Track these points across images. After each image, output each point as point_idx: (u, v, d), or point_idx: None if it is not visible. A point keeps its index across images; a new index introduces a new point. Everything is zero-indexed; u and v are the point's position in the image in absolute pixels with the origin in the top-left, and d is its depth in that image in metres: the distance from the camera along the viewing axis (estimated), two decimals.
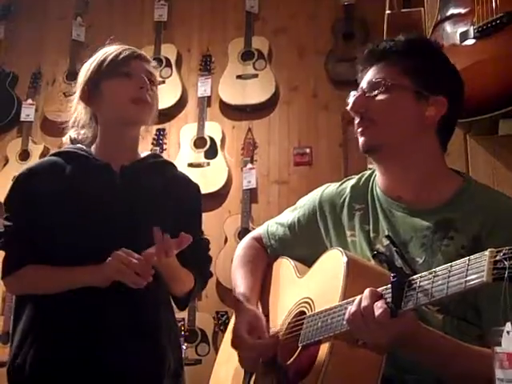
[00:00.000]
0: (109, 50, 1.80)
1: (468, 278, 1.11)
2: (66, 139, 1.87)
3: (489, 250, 1.08)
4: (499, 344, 0.98)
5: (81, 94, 1.81)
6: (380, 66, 1.55)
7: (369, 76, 1.56)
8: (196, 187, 1.95)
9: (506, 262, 1.03)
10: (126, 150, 1.81)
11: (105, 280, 1.63)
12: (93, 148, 1.82)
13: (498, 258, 1.05)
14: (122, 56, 1.77)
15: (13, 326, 1.72)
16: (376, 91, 1.52)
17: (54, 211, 1.69)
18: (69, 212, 1.69)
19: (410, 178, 1.53)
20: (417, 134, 1.51)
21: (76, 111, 1.85)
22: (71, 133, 1.85)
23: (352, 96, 1.58)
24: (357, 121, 1.55)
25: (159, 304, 1.79)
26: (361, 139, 1.54)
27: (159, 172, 1.85)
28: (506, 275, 1.02)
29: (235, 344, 1.59)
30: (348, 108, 1.57)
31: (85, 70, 1.81)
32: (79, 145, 1.82)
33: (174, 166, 1.95)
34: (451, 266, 1.16)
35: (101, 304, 1.66)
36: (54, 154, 1.82)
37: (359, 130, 1.54)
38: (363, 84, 1.57)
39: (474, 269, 1.10)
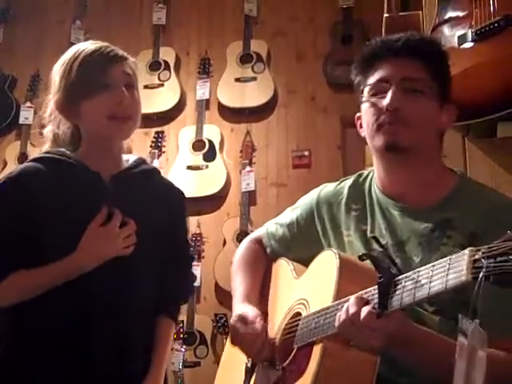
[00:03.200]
0: (83, 53, 1.65)
1: (449, 278, 1.12)
2: (46, 132, 1.74)
3: (469, 248, 1.09)
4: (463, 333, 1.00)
5: (56, 106, 1.69)
6: (416, 65, 1.51)
7: (401, 69, 1.51)
8: (181, 193, 1.88)
9: (483, 261, 1.04)
10: (113, 158, 1.73)
11: (87, 256, 1.60)
12: (77, 154, 1.70)
13: (477, 256, 1.06)
14: (97, 62, 1.63)
15: None
16: (414, 91, 1.50)
17: (40, 223, 1.61)
18: (58, 222, 1.61)
19: (414, 179, 1.54)
20: (434, 139, 1.55)
21: (54, 110, 1.72)
22: (54, 126, 1.73)
23: (389, 90, 1.50)
24: (389, 117, 1.49)
25: (149, 320, 1.72)
26: (388, 136, 1.49)
27: (148, 181, 1.78)
28: (481, 274, 1.03)
29: (233, 339, 1.60)
30: (385, 103, 1.49)
31: (58, 78, 1.68)
32: (62, 149, 1.70)
33: (159, 172, 1.89)
34: (433, 266, 1.17)
35: (86, 317, 1.59)
36: (35, 160, 1.69)
37: (390, 127, 1.49)
38: (395, 75, 1.51)
39: (455, 268, 1.11)
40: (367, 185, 1.65)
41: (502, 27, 2.04)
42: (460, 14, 2.19)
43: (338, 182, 1.73)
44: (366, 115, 1.55)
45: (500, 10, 2.06)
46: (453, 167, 1.62)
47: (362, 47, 1.61)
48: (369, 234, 1.57)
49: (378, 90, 1.52)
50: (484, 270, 1.03)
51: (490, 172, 2.19)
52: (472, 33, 2.10)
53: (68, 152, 1.69)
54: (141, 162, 1.80)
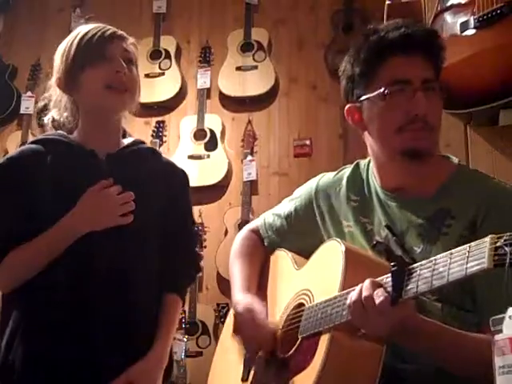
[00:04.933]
0: (83, 32, 1.71)
1: (469, 265, 1.11)
2: (47, 120, 1.77)
3: (489, 236, 1.08)
4: (499, 332, 0.98)
5: (57, 83, 1.73)
6: (429, 63, 1.49)
7: (420, 69, 1.48)
8: (183, 173, 1.87)
9: (506, 248, 1.03)
10: (109, 137, 1.75)
11: (79, 219, 1.61)
12: (75, 134, 1.74)
13: (498, 244, 1.05)
14: (97, 38, 1.68)
15: (1, 326, 1.65)
16: (433, 93, 1.47)
17: (38, 201, 1.63)
18: (54, 201, 1.63)
19: (412, 173, 1.52)
20: None
21: (55, 94, 1.76)
22: (54, 113, 1.76)
23: (417, 96, 1.45)
24: (419, 124, 1.45)
25: (152, 301, 1.72)
26: (416, 142, 1.46)
27: (145, 159, 1.79)
28: (507, 261, 1.02)
29: (235, 327, 1.60)
30: (417, 111, 1.44)
31: (59, 55, 1.73)
32: (60, 131, 1.74)
33: (159, 152, 1.90)
34: (451, 254, 1.16)
35: (91, 302, 1.60)
36: (34, 142, 1.73)
37: (418, 134, 1.45)
38: (416, 76, 1.46)
39: (475, 255, 1.09)
40: (365, 176, 1.64)
41: (504, 14, 2.03)
42: (462, 1, 2.17)
43: (335, 172, 1.71)
44: (380, 116, 1.49)
45: None
46: (455, 155, 1.61)
47: (362, 33, 1.56)
48: (369, 227, 1.56)
49: (396, 90, 1.46)
50: (509, 256, 1.02)
51: (492, 160, 2.19)
52: (474, 20, 2.09)
53: (65, 133, 1.73)
54: (138, 141, 1.82)
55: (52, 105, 1.77)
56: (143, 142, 1.84)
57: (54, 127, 1.75)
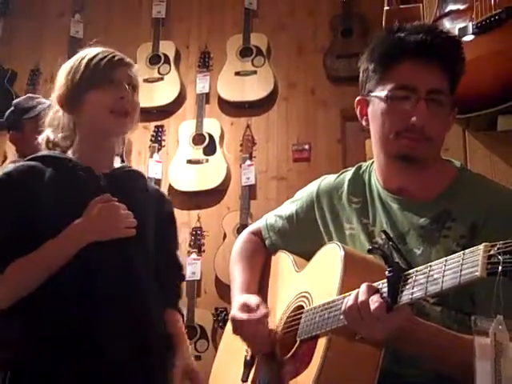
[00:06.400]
0: (92, 54, 1.73)
1: (463, 273, 1.11)
2: (41, 139, 1.76)
3: (483, 244, 1.08)
4: (484, 333, 0.99)
5: (59, 100, 1.73)
6: (440, 73, 1.47)
7: (428, 78, 1.46)
8: (170, 202, 1.93)
9: (499, 257, 1.03)
10: (104, 157, 1.76)
11: (81, 229, 1.61)
12: (70, 153, 1.73)
13: (492, 252, 1.05)
14: (105, 62, 1.71)
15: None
16: (438, 104, 1.46)
17: (36, 217, 1.61)
18: (53, 217, 1.62)
19: (415, 176, 1.53)
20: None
21: (52, 111, 1.77)
22: (48, 132, 1.75)
23: (414, 103, 1.44)
24: (414, 133, 1.45)
25: (160, 317, 1.74)
26: (410, 150, 1.46)
27: (136, 181, 1.82)
28: (499, 270, 1.02)
29: (235, 327, 1.59)
30: (413, 119, 1.43)
31: (64, 74, 1.74)
32: (56, 151, 1.73)
33: (146, 177, 1.93)
34: (446, 261, 1.16)
35: (97, 314, 1.59)
36: (31, 159, 1.72)
37: (413, 143, 1.46)
38: (423, 85, 1.45)
39: (469, 263, 1.10)
40: (367, 177, 1.64)
41: (502, 20, 2.03)
42: (460, 6, 2.18)
43: (337, 174, 1.71)
44: (381, 117, 1.50)
45: (500, 3, 2.05)
46: (454, 160, 1.62)
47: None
48: (370, 228, 1.57)
49: (400, 94, 1.46)
50: (501, 265, 1.02)
51: (491, 165, 2.19)
52: (473, 25, 2.09)
53: (60, 152, 1.73)
54: (126, 165, 1.85)
55: (47, 123, 1.77)
56: (130, 167, 1.88)
57: (48, 148, 1.75)
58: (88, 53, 1.75)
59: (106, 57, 1.72)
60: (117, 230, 1.64)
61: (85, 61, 1.72)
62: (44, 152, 1.75)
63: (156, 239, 1.76)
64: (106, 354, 1.58)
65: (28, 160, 1.72)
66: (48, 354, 1.58)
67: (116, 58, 1.74)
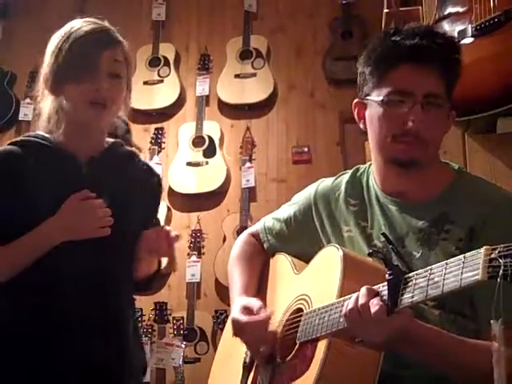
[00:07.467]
0: (76, 35, 1.69)
1: (463, 276, 1.11)
2: (38, 108, 1.74)
3: (484, 247, 1.08)
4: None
5: (44, 78, 1.71)
6: (437, 76, 1.46)
7: (425, 82, 1.45)
8: (157, 175, 1.87)
9: (500, 260, 1.03)
10: (91, 139, 1.71)
11: (55, 228, 1.59)
12: (56, 135, 1.68)
13: (493, 255, 1.05)
14: (88, 48, 1.65)
15: None
16: (434, 108, 1.46)
17: (13, 206, 1.60)
18: (32, 206, 1.59)
19: (413, 178, 1.53)
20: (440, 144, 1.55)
21: (42, 99, 1.72)
22: (41, 102, 1.72)
23: (409, 107, 1.44)
24: (409, 137, 1.45)
25: (127, 301, 1.72)
26: (405, 154, 1.47)
27: (124, 163, 1.77)
28: (500, 273, 1.02)
29: (235, 330, 1.59)
30: (409, 124, 1.43)
31: (50, 52, 1.74)
32: (40, 132, 1.70)
33: (138, 155, 1.85)
34: (447, 264, 1.17)
35: (64, 305, 1.58)
36: (12, 143, 1.69)
37: (408, 147, 1.46)
38: (419, 89, 1.44)
39: (470, 266, 1.10)
40: (365, 180, 1.64)
41: (501, 22, 2.04)
42: (460, 9, 2.19)
43: (335, 177, 1.71)
44: (378, 121, 1.50)
45: (500, 6, 2.06)
46: (452, 163, 1.62)
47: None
48: (368, 231, 1.57)
49: (397, 99, 1.46)
50: (502, 269, 1.02)
51: (490, 167, 2.20)
52: (472, 28, 2.10)
53: (47, 135, 1.69)
54: (118, 144, 1.79)
55: (40, 93, 1.73)
56: (122, 145, 1.81)
57: (40, 119, 1.72)
58: (76, 30, 1.71)
59: (89, 39, 1.67)
60: (90, 230, 1.61)
61: (66, 46, 1.68)
62: (28, 136, 1.71)
63: (143, 217, 1.73)
64: (68, 337, 1.57)
65: (11, 144, 1.69)
66: (7, 343, 1.57)
67: (101, 39, 1.68)
